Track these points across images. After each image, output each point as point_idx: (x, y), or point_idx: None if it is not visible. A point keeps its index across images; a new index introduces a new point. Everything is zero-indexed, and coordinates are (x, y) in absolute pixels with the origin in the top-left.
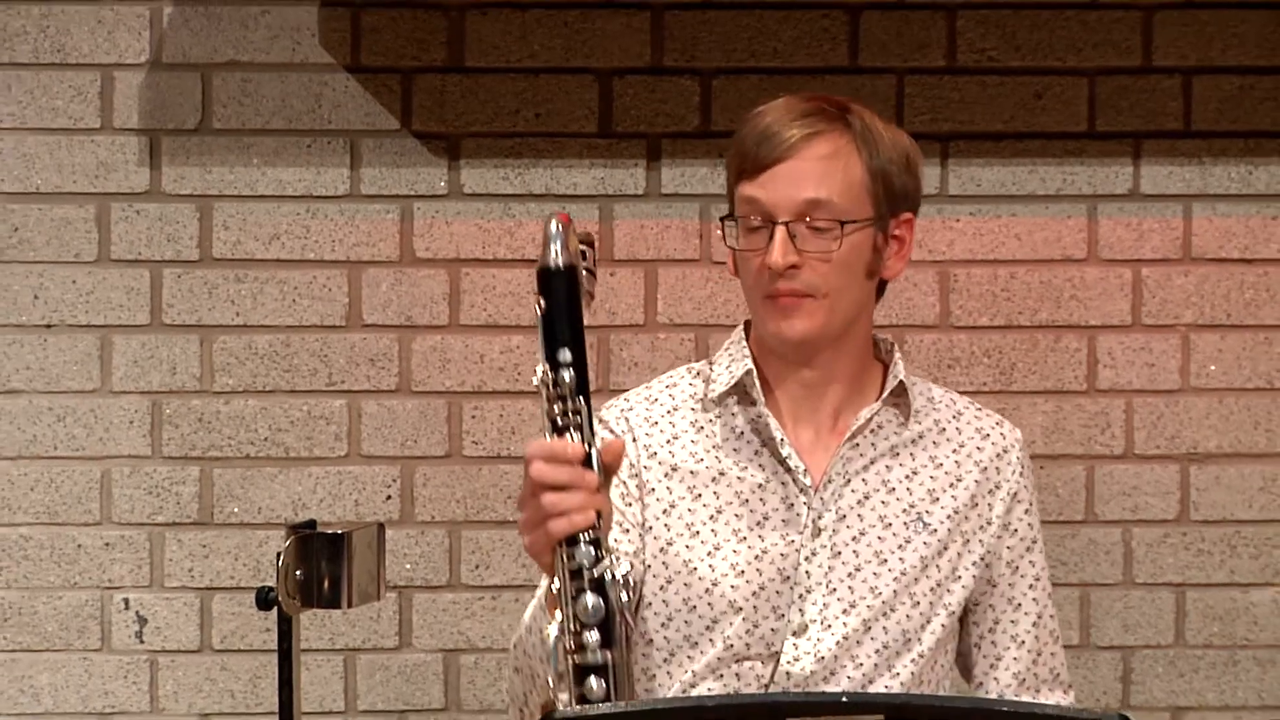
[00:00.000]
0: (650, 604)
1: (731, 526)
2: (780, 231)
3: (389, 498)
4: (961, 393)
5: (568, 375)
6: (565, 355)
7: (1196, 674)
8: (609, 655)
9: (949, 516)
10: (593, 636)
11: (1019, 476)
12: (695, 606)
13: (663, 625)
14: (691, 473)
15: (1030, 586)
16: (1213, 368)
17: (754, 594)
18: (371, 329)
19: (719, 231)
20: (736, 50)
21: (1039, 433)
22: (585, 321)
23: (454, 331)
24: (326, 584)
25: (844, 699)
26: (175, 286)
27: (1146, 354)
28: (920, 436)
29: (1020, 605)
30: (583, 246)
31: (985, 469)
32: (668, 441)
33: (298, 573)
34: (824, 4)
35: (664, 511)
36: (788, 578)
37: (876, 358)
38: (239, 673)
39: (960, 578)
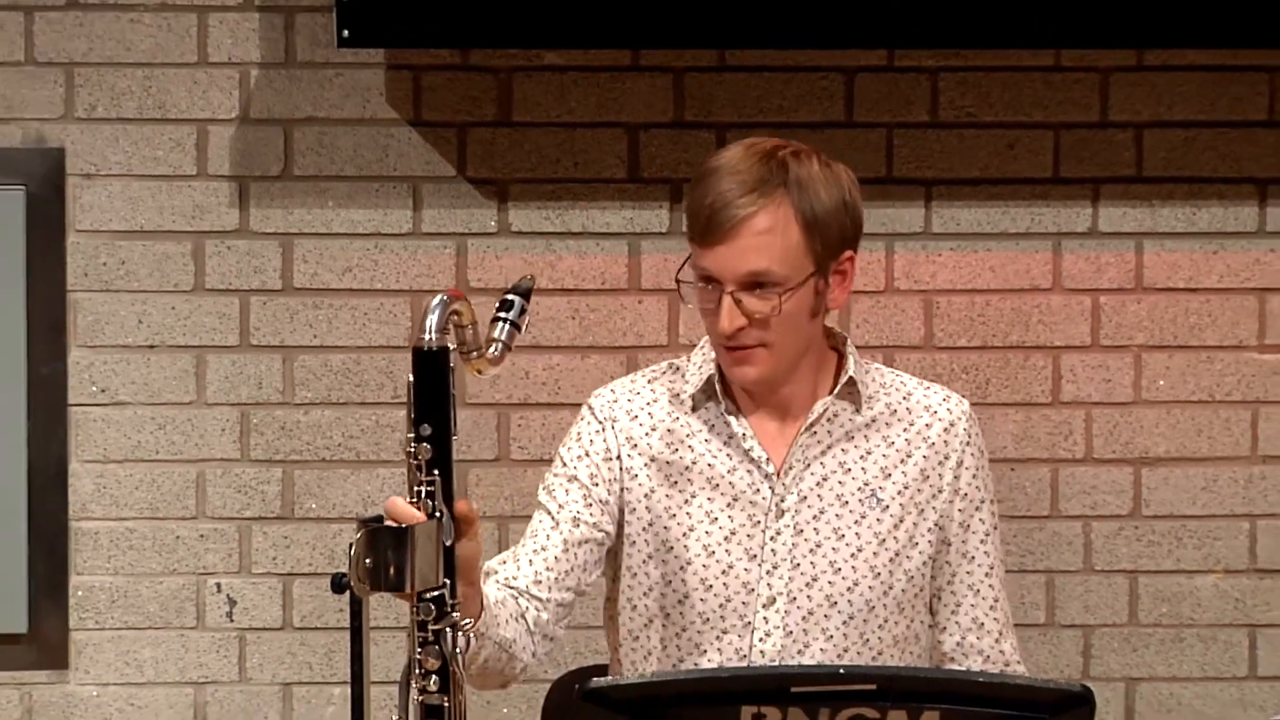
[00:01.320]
0: (635, 574)
1: (704, 509)
2: (727, 300)
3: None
4: None
5: (426, 447)
6: (425, 430)
7: (1148, 649)
8: (444, 699)
9: (900, 491)
10: (433, 682)
11: (965, 445)
12: (671, 581)
13: (645, 594)
14: (668, 462)
15: (981, 541)
16: (1161, 383)
17: (724, 571)
18: None
19: (678, 289)
20: (747, 107)
21: (1010, 439)
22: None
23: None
24: (392, 570)
25: (840, 671)
26: (261, 312)
27: (1104, 371)
28: (873, 421)
29: (974, 558)
30: (513, 296)
31: (934, 444)
32: (647, 433)
33: (367, 561)
34: (823, 67)
35: (646, 495)
36: (754, 555)
37: (832, 347)
38: (316, 647)
39: (917, 544)
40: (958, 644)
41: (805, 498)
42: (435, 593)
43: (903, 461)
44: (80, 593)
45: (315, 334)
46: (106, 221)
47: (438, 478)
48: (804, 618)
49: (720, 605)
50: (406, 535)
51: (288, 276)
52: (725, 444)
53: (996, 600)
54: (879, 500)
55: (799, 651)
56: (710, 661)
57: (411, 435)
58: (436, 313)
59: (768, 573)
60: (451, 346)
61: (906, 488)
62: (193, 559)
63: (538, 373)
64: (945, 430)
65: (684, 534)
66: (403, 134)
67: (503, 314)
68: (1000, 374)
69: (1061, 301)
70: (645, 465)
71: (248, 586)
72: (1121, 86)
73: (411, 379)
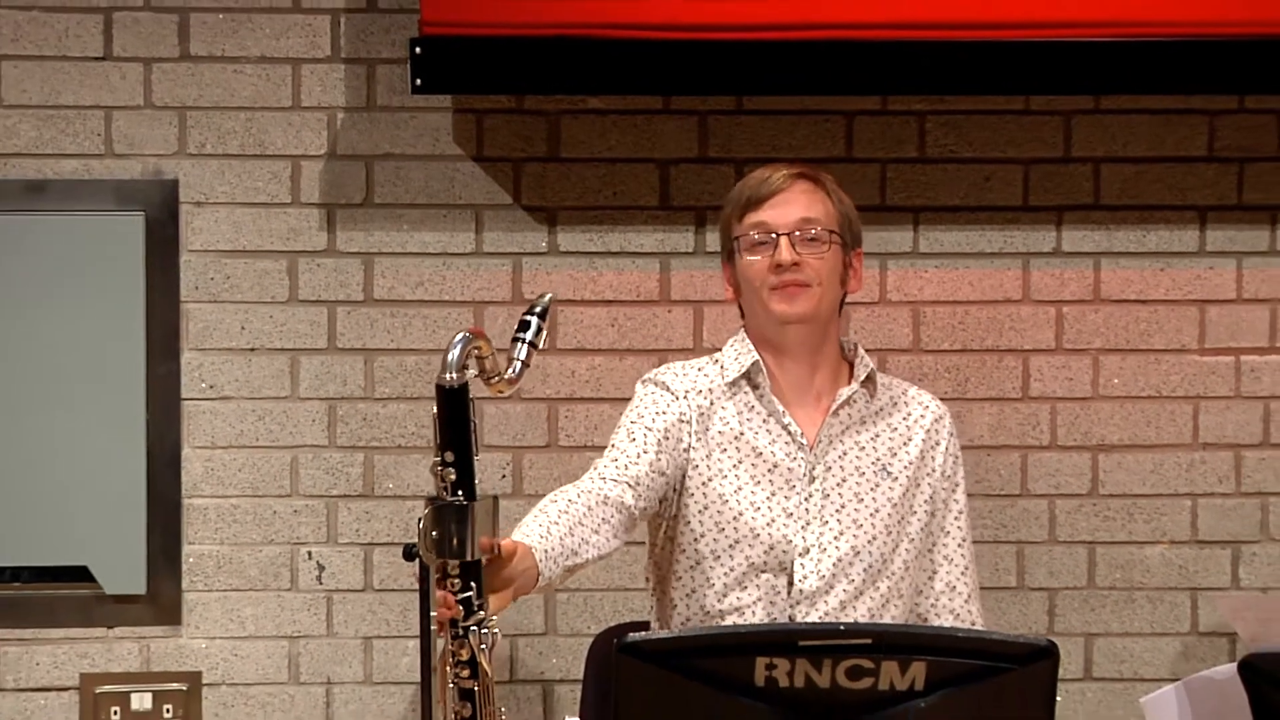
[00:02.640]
0: (689, 522)
1: (750, 473)
2: (784, 239)
3: (504, 476)
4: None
5: (451, 471)
6: (449, 457)
7: (1104, 609)
8: (474, 684)
9: (905, 467)
10: (464, 672)
11: (950, 436)
12: (724, 529)
13: (698, 539)
14: (720, 433)
15: (955, 518)
16: (1116, 381)
17: (768, 524)
18: None
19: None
20: (761, 144)
21: (985, 429)
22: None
23: (552, 354)
24: (455, 541)
25: (841, 628)
26: (346, 320)
27: (1067, 371)
28: (881, 409)
29: (949, 532)
30: (531, 316)
31: (928, 430)
32: (704, 409)
33: (433, 533)
34: (826, 111)
35: (705, 456)
36: (791, 514)
37: (843, 358)
38: (392, 606)
39: (915, 512)
40: (932, 605)
41: (830, 468)
42: (464, 595)
43: (905, 444)
44: (191, 560)
45: (392, 338)
46: (214, 243)
47: (459, 496)
48: (833, 565)
49: (765, 551)
50: (466, 512)
51: (368, 289)
52: (765, 421)
53: (966, 568)
54: (889, 473)
55: (827, 591)
56: (752, 597)
57: (438, 460)
58: (457, 350)
59: (802, 527)
60: (474, 374)
61: (909, 464)
62: (287, 531)
63: (581, 372)
64: (935, 421)
65: (735, 491)
66: (466, 168)
67: (521, 335)
68: (977, 373)
69: (1030, 311)
70: (703, 432)
71: (334, 554)
72: (1082, 127)
73: (435, 411)
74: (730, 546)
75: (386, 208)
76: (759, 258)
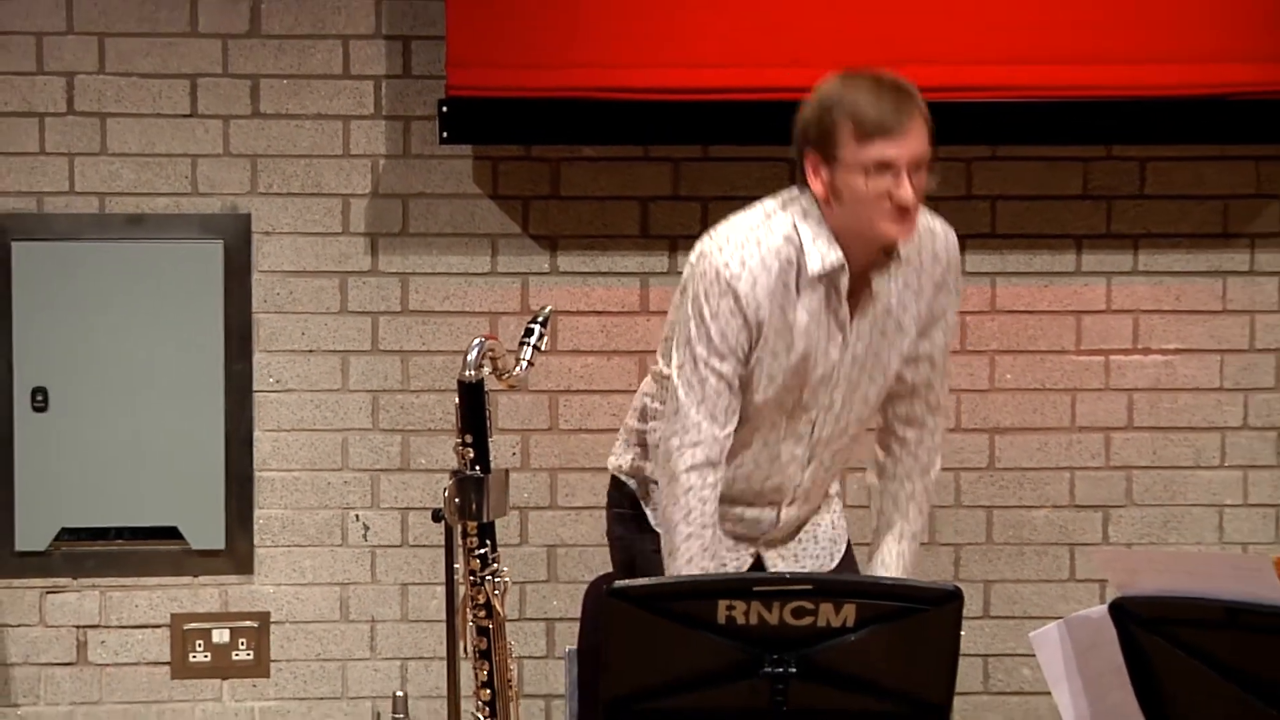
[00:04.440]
0: (753, 371)
1: (800, 345)
2: (905, 176)
3: (514, 454)
4: None
5: (470, 451)
6: (469, 438)
7: (999, 560)
8: (490, 623)
9: (914, 319)
10: (482, 612)
11: (955, 278)
12: (776, 378)
13: (755, 382)
14: (784, 313)
15: (952, 326)
16: (1009, 376)
17: (802, 380)
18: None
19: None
20: (723, 184)
21: None
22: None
23: (553, 354)
24: (474, 506)
25: (788, 575)
26: (386, 327)
27: (969, 368)
28: (900, 264)
29: (934, 340)
30: (535, 324)
31: (936, 280)
32: (777, 305)
33: (456, 500)
34: (775, 158)
35: (774, 329)
36: (826, 377)
37: None
38: (424, 558)
39: (918, 336)
40: (914, 396)
41: (860, 336)
42: (480, 550)
43: (916, 297)
44: (261, 521)
45: (424, 342)
46: (279, 265)
47: (478, 470)
48: (847, 412)
49: (795, 404)
50: (483, 483)
51: (405, 302)
52: (821, 306)
53: (946, 370)
54: (902, 328)
55: (839, 435)
56: (781, 431)
57: (460, 440)
58: (474, 352)
59: (832, 390)
60: (489, 371)
61: (917, 316)
62: (339, 498)
63: (576, 369)
64: (945, 269)
65: (793, 368)
66: (484, 204)
67: (526, 339)
68: None
69: None
70: (770, 322)
71: (377, 517)
72: (980, 171)
73: (458, 401)
74: (774, 404)
75: (419, 236)
76: (880, 183)
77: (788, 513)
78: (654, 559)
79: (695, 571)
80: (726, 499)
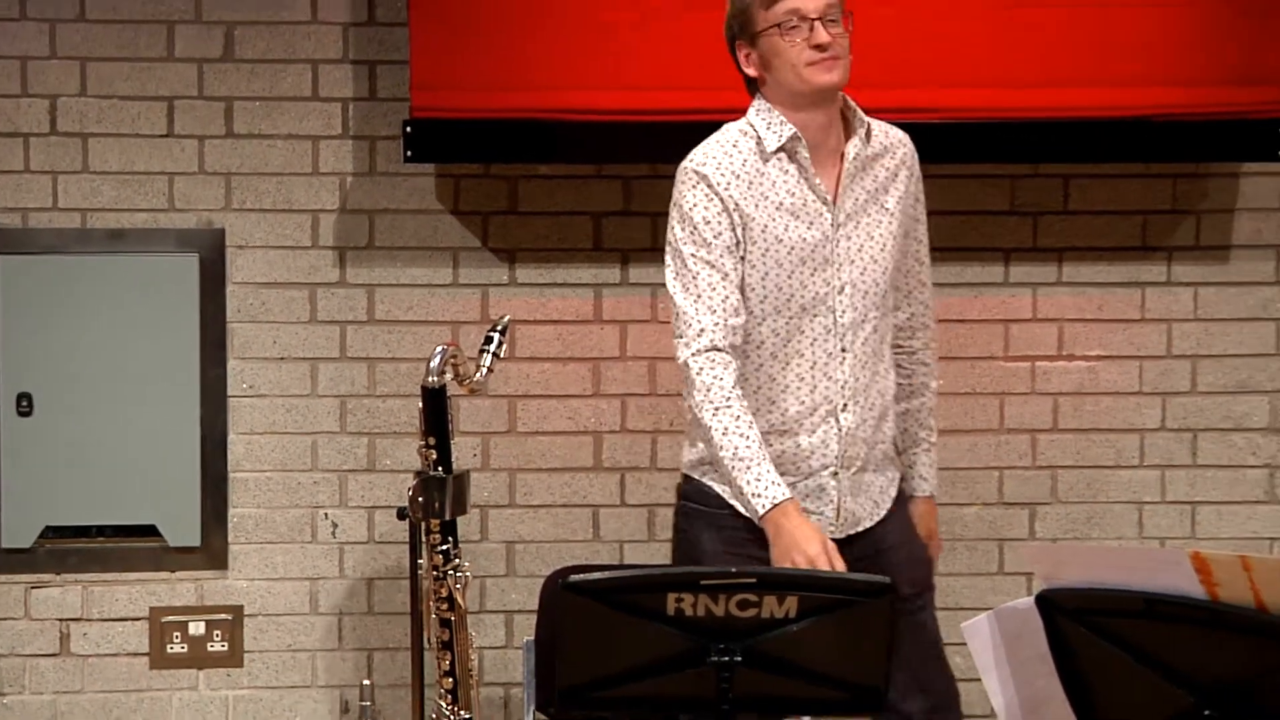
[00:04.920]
0: (754, 264)
1: (786, 223)
2: (818, 24)
3: (475, 455)
4: None
5: (433, 452)
6: (432, 440)
7: None
8: (451, 614)
9: (896, 201)
10: (444, 605)
11: (915, 161)
12: (780, 264)
13: (762, 279)
14: (764, 196)
15: (923, 220)
16: (943, 380)
17: (813, 271)
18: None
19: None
20: (669, 201)
21: None
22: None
23: (511, 360)
24: (437, 504)
25: (733, 570)
26: (354, 336)
27: None
28: (874, 154)
29: (919, 238)
30: (494, 333)
31: (905, 164)
32: (748, 185)
33: (420, 499)
34: None
35: (754, 221)
36: (827, 259)
37: (842, 116)
38: (390, 554)
39: (904, 234)
40: (907, 295)
41: (849, 215)
42: (443, 546)
43: (891, 180)
44: (235, 519)
45: (390, 350)
46: (252, 276)
47: (440, 468)
48: (863, 296)
49: (813, 297)
50: (445, 482)
51: (371, 312)
52: (798, 181)
53: (925, 262)
54: (887, 210)
55: (862, 320)
56: (810, 333)
57: (423, 443)
58: (437, 359)
59: (837, 270)
60: (451, 377)
61: (899, 198)
62: (309, 497)
63: (534, 375)
64: (909, 156)
65: (789, 250)
66: (446, 220)
67: (486, 348)
68: None
69: None
70: (747, 203)
71: (345, 515)
72: None
73: (421, 406)
74: (785, 278)
75: (385, 250)
76: (795, 35)
77: (847, 421)
78: (703, 556)
79: (734, 444)
80: (785, 428)
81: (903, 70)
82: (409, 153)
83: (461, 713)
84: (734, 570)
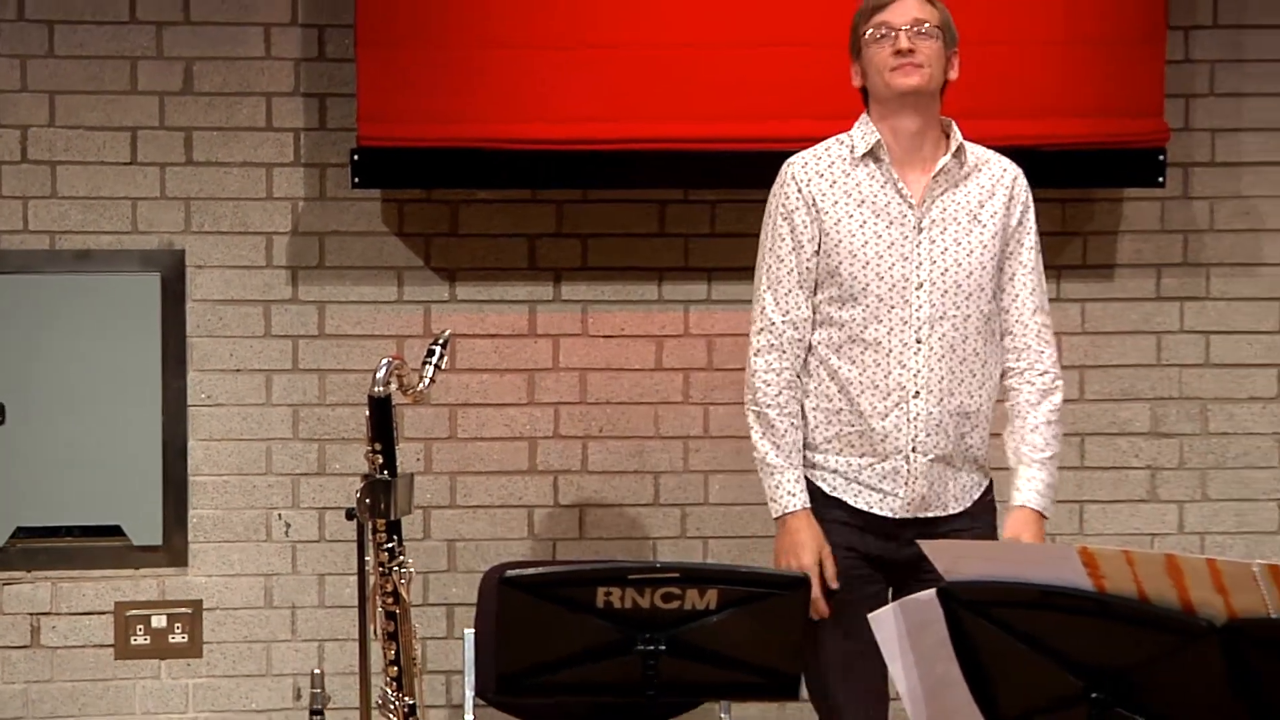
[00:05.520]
0: (830, 254)
1: (871, 226)
2: (902, 33)
3: (418, 459)
4: None
5: (379, 457)
6: (378, 446)
7: None
8: (396, 608)
9: (991, 216)
10: (389, 599)
11: (1025, 193)
12: (857, 276)
13: (832, 275)
14: (846, 194)
15: (1028, 250)
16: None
17: (890, 267)
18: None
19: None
20: (601, 224)
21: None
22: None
23: (453, 371)
24: (383, 505)
25: (658, 565)
26: (305, 349)
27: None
28: (969, 172)
29: (1023, 261)
30: (436, 346)
31: (1008, 188)
32: (830, 185)
33: (367, 500)
34: (646, 199)
35: (835, 220)
36: (907, 258)
37: (943, 132)
38: (339, 552)
39: (999, 250)
40: (1006, 314)
41: (935, 219)
42: (388, 545)
43: (990, 198)
44: (195, 520)
45: (339, 362)
46: (211, 294)
47: (386, 474)
48: (941, 295)
49: (889, 289)
50: (390, 485)
51: (322, 327)
52: (883, 186)
53: (1034, 289)
54: (979, 221)
55: (940, 317)
56: (887, 322)
57: (369, 448)
58: (383, 370)
59: (916, 267)
60: (395, 387)
61: (994, 214)
62: (264, 499)
63: (474, 385)
64: (1013, 181)
65: (864, 244)
66: (392, 241)
67: (429, 359)
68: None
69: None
70: (832, 204)
71: (298, 515)
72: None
73: (368, 414)
74: (856, 282)
75: (334, 269)
76: (884, 45)
77: (919, 408)
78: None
79: (765, 449)
80: (861, 411)
81: (795, 104)
82: (356, 179)
83: (406, 699)
84: (658, 564)
